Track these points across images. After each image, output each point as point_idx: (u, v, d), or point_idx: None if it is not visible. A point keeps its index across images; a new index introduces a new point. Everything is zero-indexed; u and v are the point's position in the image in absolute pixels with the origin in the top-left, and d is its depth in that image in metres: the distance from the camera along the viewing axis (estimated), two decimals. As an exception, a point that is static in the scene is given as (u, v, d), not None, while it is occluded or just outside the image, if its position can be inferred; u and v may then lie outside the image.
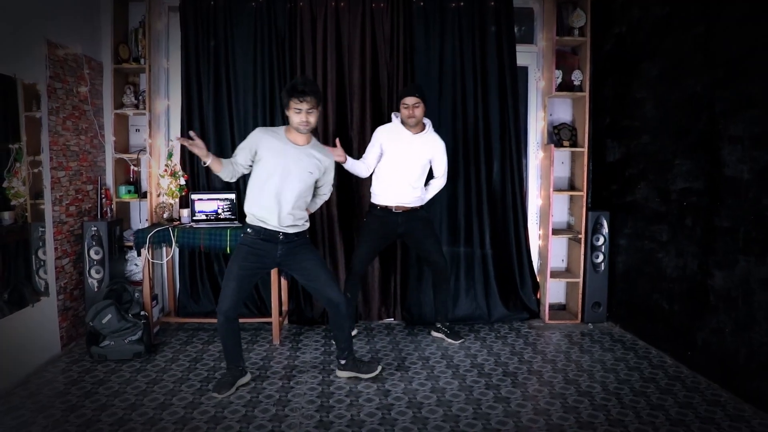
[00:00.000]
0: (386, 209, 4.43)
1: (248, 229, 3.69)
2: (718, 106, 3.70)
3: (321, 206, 4.27)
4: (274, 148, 3.59)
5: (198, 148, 3.50)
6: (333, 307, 3.80)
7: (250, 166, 3.66)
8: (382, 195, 4.44)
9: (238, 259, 3.66)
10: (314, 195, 3.93)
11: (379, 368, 3.93)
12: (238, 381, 3.73)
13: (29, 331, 3.92)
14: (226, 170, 3.62)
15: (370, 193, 4.58)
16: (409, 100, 4.26)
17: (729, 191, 3.61)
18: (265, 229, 3.64)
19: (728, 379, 3.64)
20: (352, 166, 4.42)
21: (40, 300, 4.08)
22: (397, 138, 4.37)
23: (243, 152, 3.62)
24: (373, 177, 4.52)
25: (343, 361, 3.92)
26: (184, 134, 4.96)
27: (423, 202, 4.54)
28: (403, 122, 4.35)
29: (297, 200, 3.66)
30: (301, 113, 3.50)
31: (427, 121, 4.43)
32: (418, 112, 4.27)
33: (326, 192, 4.01)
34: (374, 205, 4.50)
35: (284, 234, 3.66)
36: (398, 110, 4.40)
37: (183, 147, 4.98)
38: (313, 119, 3.56)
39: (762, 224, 3.33)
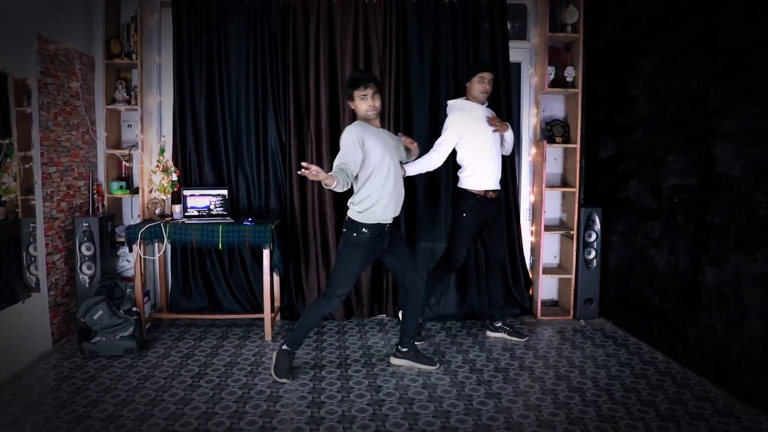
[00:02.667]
0: (483, 197, 4.36)
1: (363, 229, 3.65)
2: (712, 103, 3.70)
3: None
4: (373, 136, 3.65)
5: (317, 174, 3.24)
6: (413, 287, 3.91)
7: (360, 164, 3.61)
8: (480, 178, 4.34)
9: (356, 260, 3.72)
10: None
11: (438, 365, 4.00)
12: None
13: (20, 328, 3.91)
14: (340, 182, 3.38)
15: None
16: (487, 75, 4.30)
17: (721, 188, 3.62)
18: (381, 224, 3.69)
19: (719, 375, 3.66)
20: (419, 168, 4.27)
21: (31, 296, 4.07)
22: (475, 115, 4.33)
23: (354, 150, 3.51)
24: (463, 164, 4.41)
25: (405, 349, 4.02)
26: (176, 130, 4.96)
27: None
28: (468, 99, 4.39)
29: (398, 177, 3.78)
30: (367, 98, 3.64)
31: None
32: (491, 87, 4.35)
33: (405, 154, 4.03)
34: (469, 193, 4.37)
35: (390, 224, 3.77)
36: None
37: (175, 142, 4.98)
38: (378, 103, 3.69)
39: (753, 221, 3.34)
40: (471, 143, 4.32)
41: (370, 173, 3.62)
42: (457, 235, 4.45)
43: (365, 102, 3.65)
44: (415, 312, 3.97)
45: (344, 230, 3.73)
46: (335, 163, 3.50)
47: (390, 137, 3.82)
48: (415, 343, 4.17)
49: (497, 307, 4.68)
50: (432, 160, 4.29)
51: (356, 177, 3.61)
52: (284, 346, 3.82)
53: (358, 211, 3.65)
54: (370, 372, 3.92)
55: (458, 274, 5.14)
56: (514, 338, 4.59)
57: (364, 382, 3.77)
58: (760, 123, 3.31)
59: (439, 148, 4.30)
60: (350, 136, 3.54)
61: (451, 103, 4.45)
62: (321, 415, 3.29)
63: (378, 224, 3.66)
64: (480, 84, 4.30)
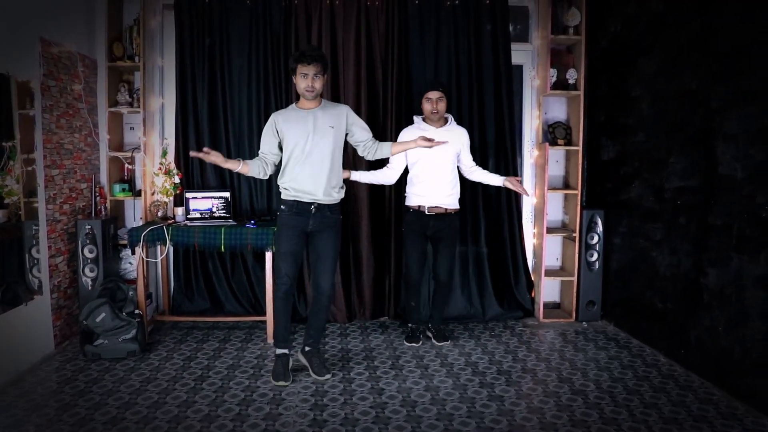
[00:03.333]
0: (418, 212, 4.38)
1: (282, 206, 3.81)
2: (714, 103, 3.70)
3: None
4: (291, 119, 3.74)
5: (215, 156, 3.64)
6: (319, 294, 3.88)
7: (280, 149, 3.79)
8: (416, 196, 4.38)
9: (282, 239, 3.79)
10: (360, 146, 3.95)
11: (328, 376, 3.86)
12: (290, 365, 3.89)
13: (23, 330, 3.91)
14: (254, 168, 3.80)
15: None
16: (433, 94, 4.26)
17: (723, 189, 3.62)
18: (299, 202, 3.74)
19: (721, 377, 3.65)
20: (370, 177, 4.42)
21: (34, 298, 4.08)
22: (425, 135, 4.33)
23: (265, 138, 3.81)
24: (408, 180, 4.46)
25: (307, 348, 3.98)
26: (179, 132, 4.96)
27: (456, 206, 4.45)
28: (424, 119, 4.39)
29: (332, 162, 3.75)
30: (307, 78, 3.64)
31: (449, 116, 4.44)
32: (441, 106, 4.27)
33: (366, 136, 3.92)
34: (407, 208, 4.46)
35: (317, 206, 3.75)
36: (418, 111, 4.46)
37: (177, 145, 4.99)
38: (318, 85, 3.67)
39: (755, 222, 3.34)
40: (414, 166, 4.38)
41: (288, 155, 3.75)
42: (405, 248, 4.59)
43: (305, 80, 3.64)
44: (317, 315, 3.93)
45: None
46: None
47: (328, 117, 3.75)
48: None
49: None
50: (384, 176, 4.44)
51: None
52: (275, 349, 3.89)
53: (280, 190, 3.84)
54: (372, 374, 3.92)
55: (461, 277, 5.14)
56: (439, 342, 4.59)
57: (366, 384, 3.77)
58: (761, 123, 3.30)
59: (391, 165, 4.44)
60: (265, 128, 3.83)
61: (404, 130, 4.47)
62: (324, 417, 3.29)
63: (295, 201, 3.74)
64: (428, 104, 4.29)
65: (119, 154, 5.04)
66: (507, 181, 4.36)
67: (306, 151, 3.70)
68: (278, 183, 3.84)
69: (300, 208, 3.75)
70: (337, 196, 3.83)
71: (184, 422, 3.22)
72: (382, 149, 3.93)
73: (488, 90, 5.08)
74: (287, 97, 4.96)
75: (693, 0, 3.92)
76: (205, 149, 3.63)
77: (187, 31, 4.95)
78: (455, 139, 4.33)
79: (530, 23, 5.44)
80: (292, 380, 3.78)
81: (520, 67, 5.47)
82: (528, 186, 5.48)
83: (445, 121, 4.41)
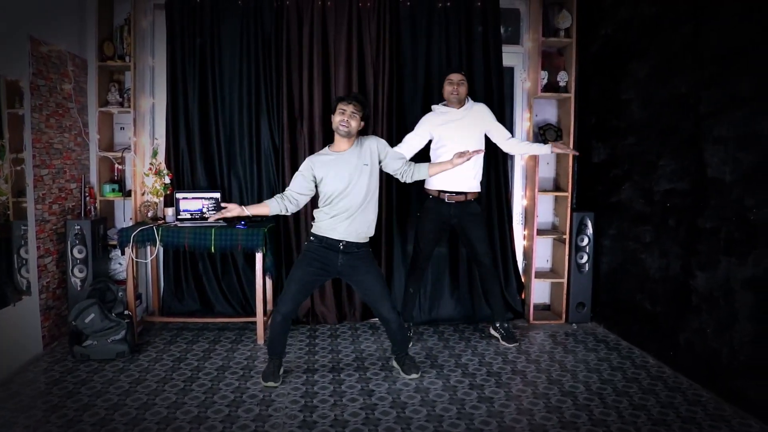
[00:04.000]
0: (438, 199, 4.41)
1: (311, 237, 3.85)
2: (703, 107, 3.73)
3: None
4: (328, 163, 3.75)
5: (234, 210, 3.69)
6: (384, 322, 3.95)
7: (312, 190, 3.84)
8: (436, 180, 4.38)
9: (302, 264, 3.80)
10: (398, 174, 3.96)
11: (415, 375, 3.92)
12: (281, 369, 3.89)
13: (11, 331, 3.89)
14: (275, 207, 3.79)
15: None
16: (455, 77, 4.35)
17: (712, 192, 3.64)
18: (327, 238, 3.75)
19: (710, 379, 3.67)
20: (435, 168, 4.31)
21: (22, 299, 4.05)
22: (446, 118, 4.39)
23: (298, 179, 3.81)
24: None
25: (395, 356, 4.04)
26: (169, 133, 4.95)
27: (478, 190, 4.49)
28: (444, 104, 4.44)
29: (366, 200, 3.77)
30: (345, 114, 3.70)
31: (467, 97, 4.50)
32: (462, 89, 4.36)
33: (398, 160, 3.92)
34: (427, 194, 4.48)
35: (346, 243, 3.76)
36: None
37: (168, 145, 4.98)
38: (354, 123, 3.72)
39: (744, 225, 3.36)
40: (439, 149, 4.42)
41: (325, 199, 3.78)
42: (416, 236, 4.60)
43: (341, 115, 3.70)
44: (394, 338, 3.98)
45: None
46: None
47: (355, 157, 3.78)
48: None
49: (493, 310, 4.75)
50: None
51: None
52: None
53: (313, 223, 3.88)
54: (362, 376, 3.92)
55: (451, 278, 5.15)
56: (504, 343, 4.59)
57: (356, 386, 3.77)
58: (749, 128, 3.33)
59: (406, 141, 4.44)
60: (300, 170, 3.83)
61: (426, 115, 4.52)
62: (313, 419, 3.29)
63: (324, 237, 3.77)
64: (449, 86, 4.38)
65: (109, 154, 5.02)
66: (554, 147, 4.38)
67: (344, 195, 3.73)
68: (314, 215, 3.88)
69: (329, 243, 3.77)
70: (368, 232, 3.88)
71: (173, 423, 3.21)
72: (420, 171, 3.94)
73: (479, 92, 5.07)
74: (278, 98, 4.96)
75: (684, 5, 3.94)
76: (223, 205, 3.74)
77: (178, 31, 4.93)
78: (477, 117, 4.43)
79: (521, 26, 5.45)
80: (281, 382, 3.78)
81: (511, 69, 5.48)
82: (518, 188, 5.50)
83: (465, 102, 4.46)
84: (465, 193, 4.41)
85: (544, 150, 4.42)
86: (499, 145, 4.55)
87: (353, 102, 3.73)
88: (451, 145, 4.31)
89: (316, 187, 3.81)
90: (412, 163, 3.97)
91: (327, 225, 3.76)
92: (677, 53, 4.01)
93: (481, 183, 4.75)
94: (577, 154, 4.64)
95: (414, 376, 3.89)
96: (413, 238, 4.73)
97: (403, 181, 4.00)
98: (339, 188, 3.71)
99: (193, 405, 3.45)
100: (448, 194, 4.39)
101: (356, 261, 3.80)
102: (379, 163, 3.89)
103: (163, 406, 3.42)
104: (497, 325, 4.68)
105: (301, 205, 3.86)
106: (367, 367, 4.08)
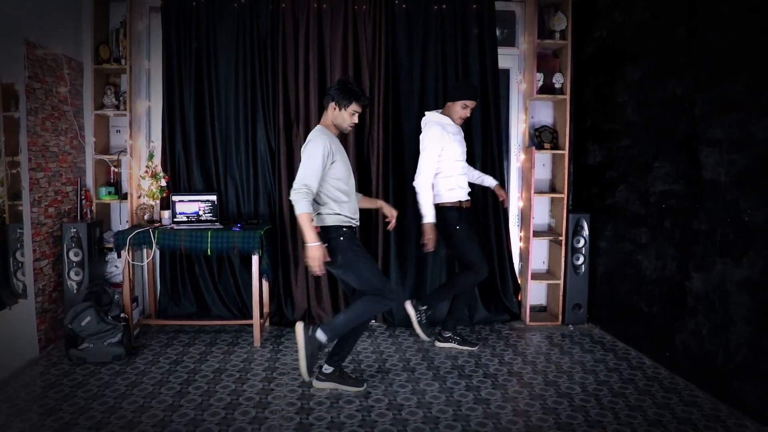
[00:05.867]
0: (460, 207, 4.38)
1: (344, 228, 3.55)
2: (698, 109, 3.74)
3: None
4: (337, 146, 3.60)
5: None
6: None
7: None
8: (455, 190, 4.37)
9: (359, 254, 3.58)
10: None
11: (365, 386, 3.77)
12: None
13: (6, 334, 3.88)
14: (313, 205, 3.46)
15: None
16: (472, 103, 4.33)
17: (707, 194, 3.65)
18: (353, 221, 3.65)
19: (705, 379, 3.68)
20: (429, 205, 4.25)
21: (18, 302, 4.04)
22: (451, 130, 4.38)
23: (323, 161, 3.42)
24: (437, 177, 4.33)
25: (330, 369, 3.73)
26: (165, 136, 4.96)
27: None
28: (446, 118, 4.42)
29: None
30: (356, 116, 3.63)
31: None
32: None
33: None
34: (451, 206, 4.35)
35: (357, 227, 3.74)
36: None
37: (164, 148, 4.98)
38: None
39: (739, 227, 3.37)
40: (448, 160, 4.35)
41: (344, 182, 3.59)
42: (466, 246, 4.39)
43: (353, 118, 3.62)
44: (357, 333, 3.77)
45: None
46: (301, 185, 3.36)
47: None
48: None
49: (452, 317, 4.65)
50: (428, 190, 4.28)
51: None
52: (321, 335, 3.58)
53: (324, 215, 3.57)
54: (359, 378, 3.92)
55: (448, 281, 5.14)
56: (464, 347, 4.54)
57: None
58: (743, 130, 3.34)
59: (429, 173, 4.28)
60: (318, 148, 3.43)
61: (434, 130, 4.33)
62: (310, 421, 3.29)
63: (352, 222, 3.64)
64: (464, 110, 4.33)
65: (105, 157, 5.02)
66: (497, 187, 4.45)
67: (352, 180, 3.71)
68: (323, 212, 3.55)
69: (354, 228, 3.68)
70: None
71: (170, 426, 3.21)
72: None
73: (475, 94, 5.10)
74: (274, 100, 4.97)
75: (678, 8, 3.95)
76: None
77: (174, 34, 4.94)
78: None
79: (517, 28, 5.47)
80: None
81: (506, 71, 5.50)
82: (514, 190, 5.52)
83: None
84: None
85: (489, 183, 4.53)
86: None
87: (366, 106, 3.74)
88: (457, 157, 4.37)
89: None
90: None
91: (350, 208, 3.61)
92: (671, 56, 4.02)
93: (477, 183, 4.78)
94: (502, 201, 4.58)
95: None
96: (461, 249, 4.40)
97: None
98: (348, 173, 3.64)
99: (190, 407, 3.44)
100: (466, 202, 4.42)
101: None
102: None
103: (160, 409, 3.42)
104: (452, 331, 4.61)
105: None
106: (363, 369, 4.08)
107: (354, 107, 3.58)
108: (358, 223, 3.69)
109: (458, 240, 4.36)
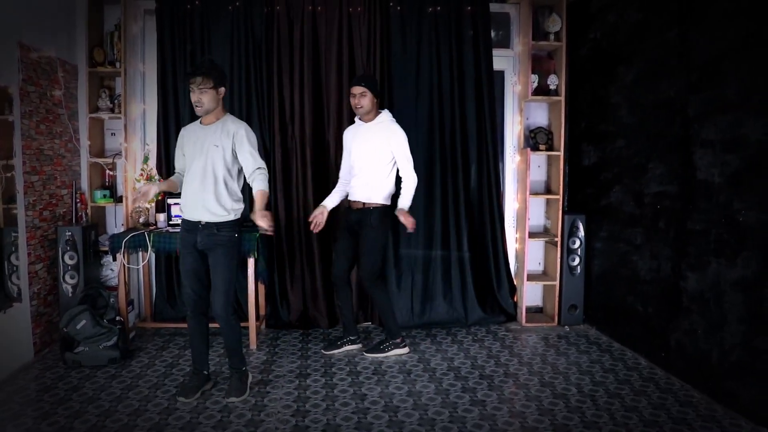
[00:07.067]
0: (347, 207, 4.42)
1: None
2: (691, 111, 3.75)
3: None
4: (189, 135, 3.65)
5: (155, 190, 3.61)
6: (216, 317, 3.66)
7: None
8: (350, 191, 4.39)
9: (181, 257, 3.68)
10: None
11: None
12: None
13: (1, 338, 3.88)
14: (179, 183, 3.75)
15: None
16: (356, 89, 4.21)
17: (701, 195, 3.66)
18: (185, 220, 3.61)
19: (701, 379, 3.69)
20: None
21: (13, 306, 4.04)
22: (356, 131, 4.36)
23: (177, 153, 3.77)
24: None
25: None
26: (160, 138, 4.95)
27: (383, 202, 4.28)
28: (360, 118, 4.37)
29: (203, 177, 3.52)
30: (194, 93, 3.47)
31: (385, 111, 4.35)
32: (365, 101, 4.20)
33: (248, 166, 3.56)
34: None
35: (204, 224, 3.53)
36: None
37: (159, 151, 4.98)
38: (205, 98, 3.47)
39: (733, 227, 3.39)
40: (352, 161, 4.41)
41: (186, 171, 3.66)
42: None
43: (192, 95, 3.48)
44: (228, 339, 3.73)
45: None
46: None
47: (215, 134, 3.53)
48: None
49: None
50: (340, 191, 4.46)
51: None
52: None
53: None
54: (355, 380, 3.92)
55: (444, 281, 5.16)
56: (354, 347, 4.52)
57: (349, 390, 3.76)
58: (736, 131, 3.36)
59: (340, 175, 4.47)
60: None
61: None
62: (306, 423, 3.29)
63: (184, 220, 3.63)
64: (352, 99, 4.26)
65: (100, 160, 5.01)
66: (400, 213, 4.18)
67: (190, 170, 3.65)
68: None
69: (188, 225, 3.62)
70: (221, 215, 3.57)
71: (165, 429, 3.20)
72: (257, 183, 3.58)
73: (470, 96, 5.10)
74: (269, 102, 4.97)
75: (671, 11, 3.97)
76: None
77: (168, 36, 4.94)
78: (380, 134, 4.25)
79: (512, 29, 5.48)
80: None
81: (501, 73, 5.50)
82: (510, 191, 5.52)
83: (376, 115, 4.31)
84: (363, 202, 4.30)
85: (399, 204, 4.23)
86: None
87: (195, 78, 3.45)
88: (356, 159, 4.34)
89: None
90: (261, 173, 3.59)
91: (182, 201, 3.66)
92: (665, 58, 4.03)
93: (473, 185, 4.77)
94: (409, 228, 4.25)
95: (233, 399, 3.59)
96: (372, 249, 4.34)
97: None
98: (193, 161, 3.57)
99: (185, 410, 3.44)
100: (352, 202, 4.37)
101: (213, 244, 3.57)
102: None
103: (155, 412, 3.41)
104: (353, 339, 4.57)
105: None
106: (359, 371, 4.08)
107: (190, 86, 3.50)
108: (190, 218, 3.60)
109: (375, 241, 4.31)
